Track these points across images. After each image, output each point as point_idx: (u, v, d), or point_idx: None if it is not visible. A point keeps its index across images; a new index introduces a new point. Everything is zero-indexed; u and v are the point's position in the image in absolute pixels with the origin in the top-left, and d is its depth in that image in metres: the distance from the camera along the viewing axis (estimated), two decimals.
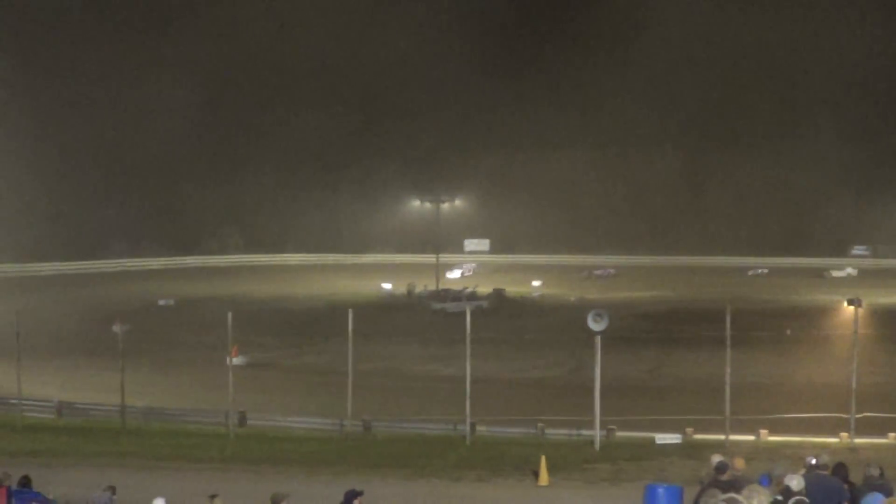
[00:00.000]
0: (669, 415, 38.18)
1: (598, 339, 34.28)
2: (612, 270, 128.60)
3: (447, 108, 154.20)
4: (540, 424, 38.08)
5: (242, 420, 40.34)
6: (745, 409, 36.99)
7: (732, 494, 6.99)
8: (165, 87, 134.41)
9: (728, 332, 36.05)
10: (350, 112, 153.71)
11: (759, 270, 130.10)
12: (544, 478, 27.83)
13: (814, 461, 18.15)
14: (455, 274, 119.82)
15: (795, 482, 15.86)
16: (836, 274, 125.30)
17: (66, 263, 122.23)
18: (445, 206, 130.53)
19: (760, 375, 50.91)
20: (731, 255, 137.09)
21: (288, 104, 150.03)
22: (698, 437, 35.72)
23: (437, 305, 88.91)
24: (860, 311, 49.48)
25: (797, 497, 15.04)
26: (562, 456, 30.97)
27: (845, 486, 17.22)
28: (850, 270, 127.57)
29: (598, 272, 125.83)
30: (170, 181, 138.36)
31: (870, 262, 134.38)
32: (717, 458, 18.73)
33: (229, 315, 38.19)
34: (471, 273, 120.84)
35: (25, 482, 20.89)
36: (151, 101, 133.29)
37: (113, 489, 18.02)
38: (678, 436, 35.09)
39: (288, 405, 45.88)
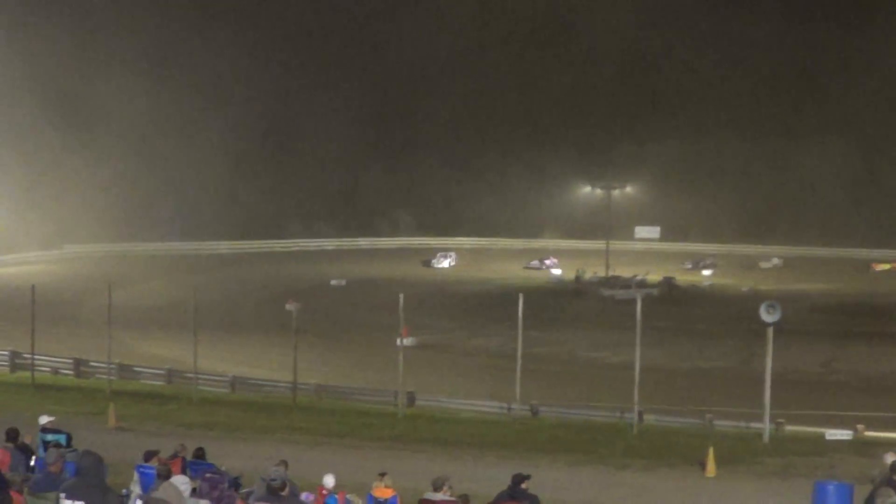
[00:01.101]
0: (841, 410, 37.46)
1: (769, 331, 33.83)
2: (777, 261, 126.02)
3: (621, 95, 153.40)
4: (708, 415, 37.71)
5: (411, 400, 40.74)
6: None
7: None
8: (340, 72, 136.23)
9: None
10: (523, 97, 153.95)
11: None
12: (712, 469, 27.62)
13: None
14: (443, 263, 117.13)
15: None
16: None
17: (243, 243, 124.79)
18: (616, 192, 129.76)
19: None
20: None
21: (461, 89, 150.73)
22: (870, 434, 35.01)
23: (607, 292, 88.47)
24: None
25: None
26: (730, 448, 30.66)
27: None
28: None
29: (765, 264, 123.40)
30: (345, 165, 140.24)
31: None
32: (891, 457, 18.35)
33: (401, 296, 38.58)
34: (454, 262, 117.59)
35: (200, 454, 21.44)
36: (326, 85, 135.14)
37: (285, 464, 18.36)
38: (849, 432, 34.43)
39: (456, 387, 46.16)
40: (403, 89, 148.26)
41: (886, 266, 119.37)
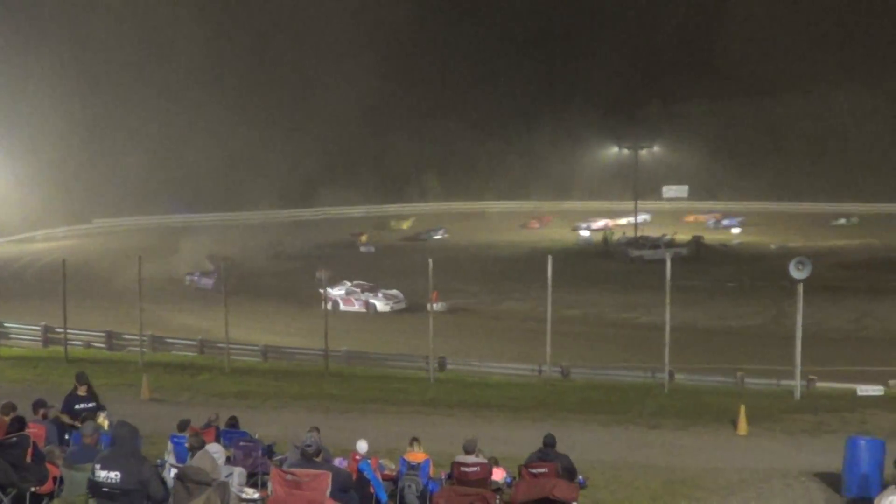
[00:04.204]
0: (872, 366, 37.39)
1: (800, 288, 33.77)
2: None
3: (647, 54, 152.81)
4: (739, 373, 37.68)
5: (442, 364, 40.84)
6: None
7: None
8: (365, 35, 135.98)
9: None
10: (550, 58, 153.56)
11: None
12: (743, 427, 27.66)
13: None
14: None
15: None
16: None
17: (275, 211, 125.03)
18: (644, 152, 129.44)
19: None
20: None
21: (486, 52, 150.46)
22: None
23: (635, 253, 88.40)
24: None
25: None
26: (761, 406, 30.68)
27: None
28: None
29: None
30: (371, 130, 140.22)
31: None
32: None
33: (430, 261, 38.63)
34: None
35: (233, 422, 21.60)
36: (355, 52, 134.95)
37: (318, 430, 18.49)
38: (881, 387, 34.40)
39: (487, 351, 46.27)
40: (428, 53, 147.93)
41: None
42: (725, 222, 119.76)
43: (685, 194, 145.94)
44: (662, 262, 37.48)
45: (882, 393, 33.91)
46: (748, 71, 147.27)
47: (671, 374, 36.13)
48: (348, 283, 64.21)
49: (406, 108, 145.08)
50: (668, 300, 35.35)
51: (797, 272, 34.14)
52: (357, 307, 62.02)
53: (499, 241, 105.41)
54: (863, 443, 20.07)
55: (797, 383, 33.97)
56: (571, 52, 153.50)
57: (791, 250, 76.71)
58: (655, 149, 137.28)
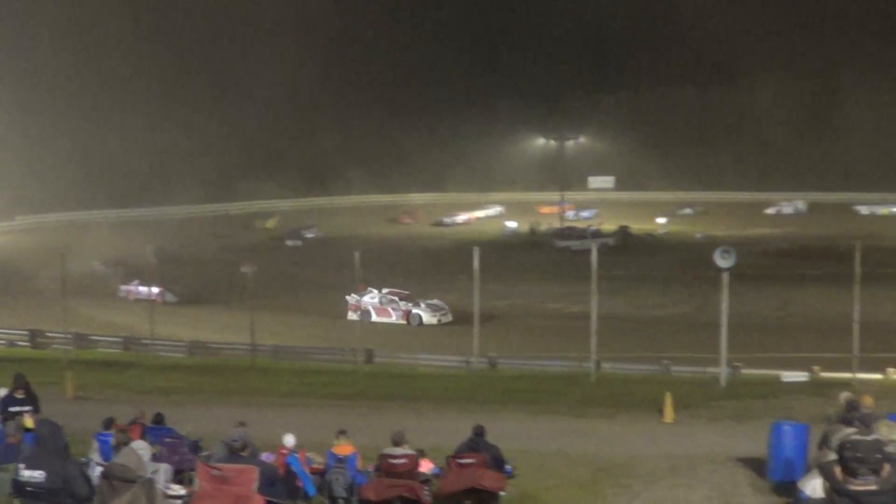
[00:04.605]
0: (796, 353, 37.77)
1: (724, 276, 34.04)
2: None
3: (571, 45, 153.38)
4: (665, 361, 37.97)
5: (370, 357, 40.79)
6: (873, 348, 36.55)
7: (876, 435, 6.97)
8: (287, 26, 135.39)
9: (857, 270, 35.57)
10: (474, 50, 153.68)
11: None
12: (669, 414, 27.84)
13: None
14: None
15: None
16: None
17: (197, 207, 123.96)
18: (570, 143, 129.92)
19: (890, 314, 49.98)
20: (860, 191, 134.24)
21: (411, 41, 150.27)
22: (825, 375, 35.32)
23: (562, 243, 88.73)
24: None
25: None
26: (687, 393, 30.91)
27: None
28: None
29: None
30: (295, 123, 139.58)
31: None
32: (846, 396, 18.58)
33: (356, 254, 38.54)
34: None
35: (159, 419, 21.39)
36: (278, 43, 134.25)
37: (244, 425, 18.37)
38: (805, 374, 34.82)
39: (414, 342, 46.25)
40: (352, 44, 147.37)
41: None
42: (584, 213, 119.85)
43: (611, 184, 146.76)
44: (589, 252, 37.65)
45: (806, 379, 34.35)
46: (673, 61, 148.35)
47: (598, 364, 36.31)
48: (375, 290, 56.98)
49: (330, 99, 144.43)
50: (594, 290, 35.52)
51: (722, 261, 34.43)
52: (395, 318, 55.90)
53: (424, 232, 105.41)
54: (787, 428, 20.26)
55: (723, 371, 34.27)
56: (498, 44, 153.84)
57: (716, 239, 77.24)
58: (582, 140, 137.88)
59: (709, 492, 20.15)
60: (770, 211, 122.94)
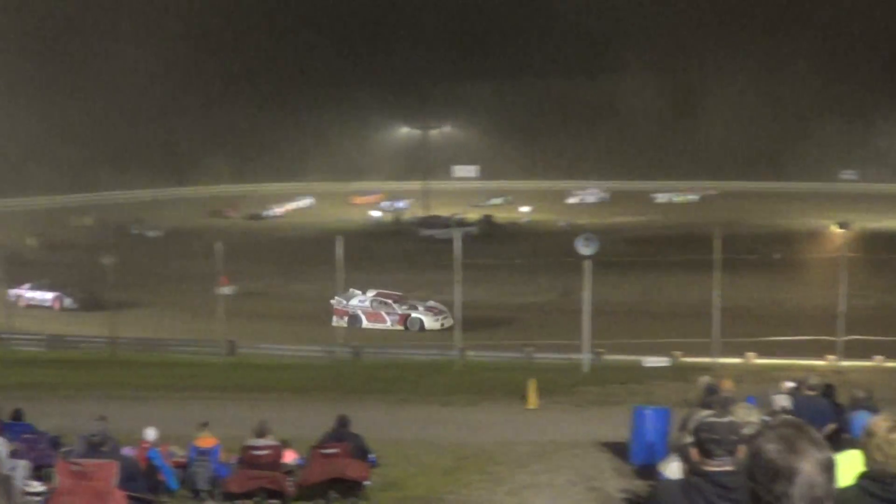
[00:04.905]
0: (658, 338, 38.31)
1: (586, 264, 34.39)
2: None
3: (437, 34, 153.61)
4: (528, 349, 38.23)
5: (232, 349, 40.43)
6: (733, 333, 37.24)
7: (731, 418, 7.07)
8: (150, 16, 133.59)
9: (716, 256, 36.19)
10: (338, 37, 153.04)
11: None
12: (533, 401, 28.05)
13: (798, 384, 18.38)
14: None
15: (784, 402, 16.00)
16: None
17: (54, 196, 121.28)
18: (434, 132, 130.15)
19: (749, 299, 50.85)
20: (720, 179, 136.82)
21: (277, 31, 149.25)
22: (686, 360, 35.90)
23: (426, 232, 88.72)
24: (848, 234, 49.73)
25: (785, 415, 15.10)
26: (551, 380, 31.16)
27: (833, 407, 17.39)
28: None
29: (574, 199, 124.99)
30: (157, 112, 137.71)
31: (859, 187, 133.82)
32: (705, 380, 18.91)
33: (218, 245, 38.18)
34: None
35: (16, 415, 20.91)
36: (134, 30, 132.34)
37: (105, 419, 18.05)
38: (666, 359, 35.35)
39: (278, 333, 45.88)
40: (214, 28, 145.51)
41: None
42: (400, 204, 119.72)
43: (475, 174, 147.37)
44: (453, 241, 37.79)
45: (667, 364, 34.86)
46: (538, 51, 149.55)
47: (462, 352, 36.43)
48: (358, 292, 50.62)
49: (192, 88, 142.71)
50: (457, 278, 35.65)
51: (584, 248, 34.79)
52: (390, 323, 48.93)
53: (287, 222, 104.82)
54: (648, 412, 20.57)
55: (585, 357, 34.64)
56: (362, 32, 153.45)
57: (579, 227, 77.94)
58: (446, 129, 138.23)
59: (572, 476, 20.32)
60: (572, 200, 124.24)
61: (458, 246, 36.81)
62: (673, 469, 9.80)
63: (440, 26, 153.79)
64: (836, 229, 72.99)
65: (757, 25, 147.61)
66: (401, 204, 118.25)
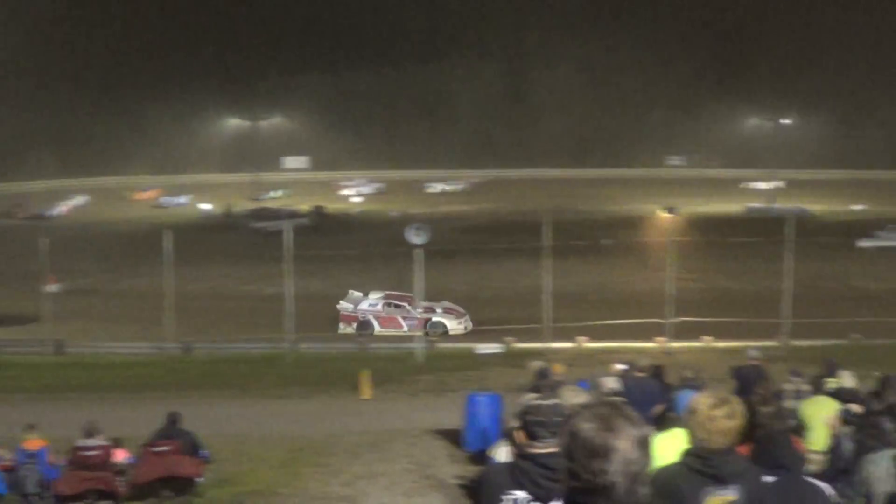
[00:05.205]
0: (491, 325, 38.59)
1: (417, 253, 34.47)
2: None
3: (265, 25, 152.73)
4: (361, 339, 38.18)
5: (60, 348, 39.52)
6: (564, 318, 37.69)
7: (556, 400, 7.12)
8: None
9: (546, 243, 36.57)
10: (164, 28, 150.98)
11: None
12: (367, 391, 28.05)
13: (628, 367, 18.68)
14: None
15: (612, 384, 16.20)
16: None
17: None
18: (264, 123, 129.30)
19: (579, 284, 51.53)
20: (551, 166, 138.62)
21: (97, 22, 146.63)
22: (519, 346, 36.21)
23: (257, 224, 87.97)
24: (675, 218, 50.73)
25: (613, 398, 15.29)
26: (385, 369, 31.21)
27: (662, 387, 17.71)
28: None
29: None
30: None
31: (685, 172, 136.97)
32: (537, 365, 19.12)
33: (43, 241, 37.35)
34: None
35: None
36: None
37: None
38: (499, 345, 35.64)
39: (108, 331, 45.04)
40: (31, 20, 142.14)
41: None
42: (181, 199, 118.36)
43: (306, 164, 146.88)
44: (285, 232, 37.59)
45: (500, 350, 35.14)
46: (366, 42, 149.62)
47: (296, 344, 36.24)
48: (359, 294, 46.31)
49: (15, 78, 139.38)
50: (289, 270, 35.47)
51: (416, 237, 34.86)
52: (406, 328, 42.94)
53: (115, 217, 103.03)
54: (481, 398, 20.74)
55: (419, 346, 34.72)
56: (189, 23, 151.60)
57: (411, 217, 78.16)
58: (276, 120, 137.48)
59: (407, 465, 20.41)
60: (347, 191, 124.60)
61: (288, 238, 36.57)
62: (503, 453, 9.85)
63: (268, 17, 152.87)
64: (663, 214, 74.23)
65: (584, 15, 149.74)
66: (182, 199, 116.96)
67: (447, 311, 44.19)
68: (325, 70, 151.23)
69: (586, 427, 3.80)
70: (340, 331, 42.33)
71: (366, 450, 21.78)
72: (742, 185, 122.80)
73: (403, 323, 43.31)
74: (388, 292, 45.61)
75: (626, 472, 3.75)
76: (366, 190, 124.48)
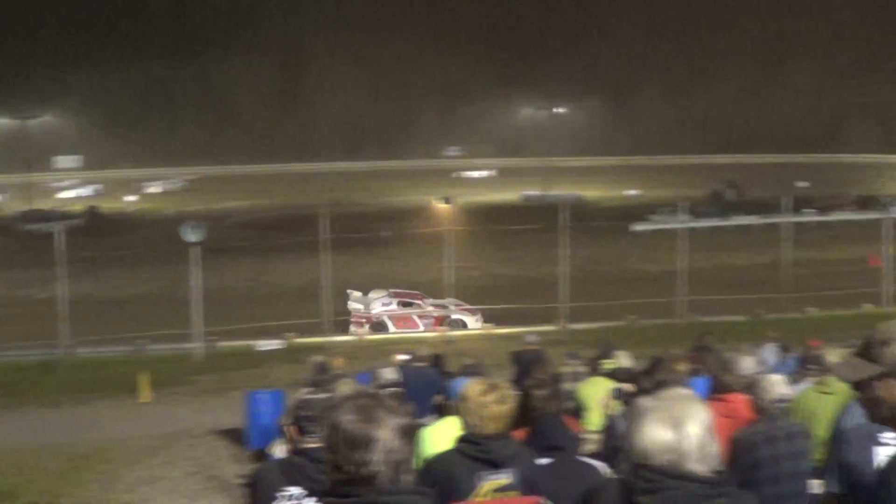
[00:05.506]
0: (271, 321, 38.40)
1: (193, 251, 34.13)
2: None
3: (30, 22, 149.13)
4: (139, 341, 37.55)
5: None
6: (346, 311, 37.78)
7: (330, 394, 7.16)
8: None
9: (323, 236, 36.63)
10: None
11: None
12: (146, 394, 27.64)
13: (409, 357, 18.83)
14: None
15: (390, 374, 16.30)
16: None
17: None
18: (34, 122, 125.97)
19: (361, 276, 51.56)
20: (326, 160, 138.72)
21: None
22: (300, 341, 36.14)
23: (28, 226, 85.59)
24: (452, 208, 51.30)
25: (392, 388, 15.38)
26: (165, 371, 30.76)
27: (441, 376, 17.85)
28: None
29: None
30: None
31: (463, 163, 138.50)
32: (316, 359, 19.13)
33: None
34: None
35: None
36: None
37: None
38: (280, 341, 35.56)
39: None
40: None
41: None
42: None
43: (78, 164, 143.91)
44: (58, 234, 36.79)
45: (281, 346, 35.06)
46: (135, 38, 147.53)
47: (71, 349, 35.46)
48: (359, 293, 43.43)
49: None
50: (62, 272, 34.70)
51: (191, 235, 34.52)
52: (423, 328, 40.64)
53: None
54: (262, 396, 20.62)
55: (198, 345, 34.36)
56: None
57: (189, 214, 77.26)
58: (47, 118, 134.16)
59: (189, 467, 20.23)
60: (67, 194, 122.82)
61: (60, 240, 35.74)
62: (281, 450, 9.83)
63: (34, 11, 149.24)
64: (440, 204, 74.94)
65: (359, 6, 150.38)
66: None
67: (459, 307, 41.92)
68: (97, 66, 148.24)
69: (347, 419, 3.83)
70: (352, 334, 39.72)
71: (147, 454, 21.47)
72: (455, 175, 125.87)
73: (419, 322, 41.04)
74: (393, 290, 43.43)
75: (388, 462, 3.79)
76: (84, 192, 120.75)
